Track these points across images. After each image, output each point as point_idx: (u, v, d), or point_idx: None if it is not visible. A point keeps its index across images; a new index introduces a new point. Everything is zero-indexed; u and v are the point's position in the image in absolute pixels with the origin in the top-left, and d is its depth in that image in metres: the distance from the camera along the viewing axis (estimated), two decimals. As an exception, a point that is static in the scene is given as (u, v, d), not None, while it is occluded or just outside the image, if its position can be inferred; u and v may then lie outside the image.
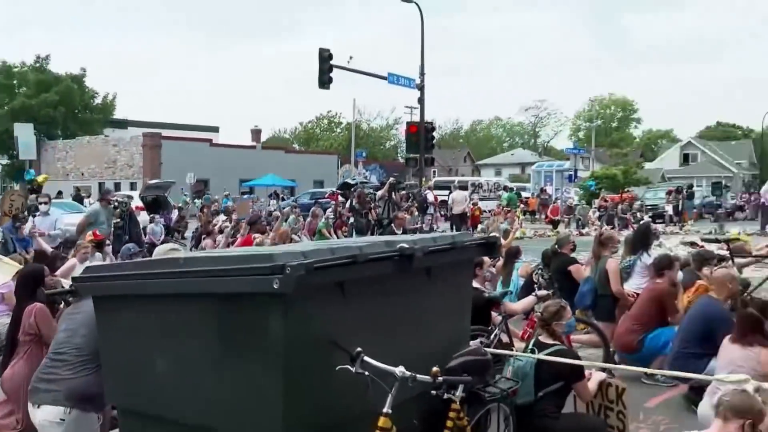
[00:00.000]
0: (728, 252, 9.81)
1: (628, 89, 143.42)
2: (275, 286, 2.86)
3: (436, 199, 26.59)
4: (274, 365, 3.03)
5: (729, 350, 4.99)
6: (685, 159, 70.14)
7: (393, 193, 17.51)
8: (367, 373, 3.12)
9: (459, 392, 3.53)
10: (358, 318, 3.40)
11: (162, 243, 12.97)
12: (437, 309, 4.03)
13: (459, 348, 4.05)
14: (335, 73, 23.47)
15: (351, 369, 3.11)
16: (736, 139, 78.46)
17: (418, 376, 3.20)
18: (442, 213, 28.81)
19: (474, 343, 5.61)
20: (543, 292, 6.54)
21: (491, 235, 6.89)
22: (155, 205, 23.82)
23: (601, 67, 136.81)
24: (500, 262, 10.47)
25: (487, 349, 5.44)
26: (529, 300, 6.47)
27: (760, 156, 67.90)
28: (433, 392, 3.48)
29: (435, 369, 3.30)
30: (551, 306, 5.11)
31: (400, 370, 3.18)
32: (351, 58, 24.82)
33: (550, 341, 4.92)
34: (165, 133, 45.33)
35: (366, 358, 3.15)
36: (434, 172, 60.61)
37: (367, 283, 3.42)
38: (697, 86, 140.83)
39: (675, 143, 77.19)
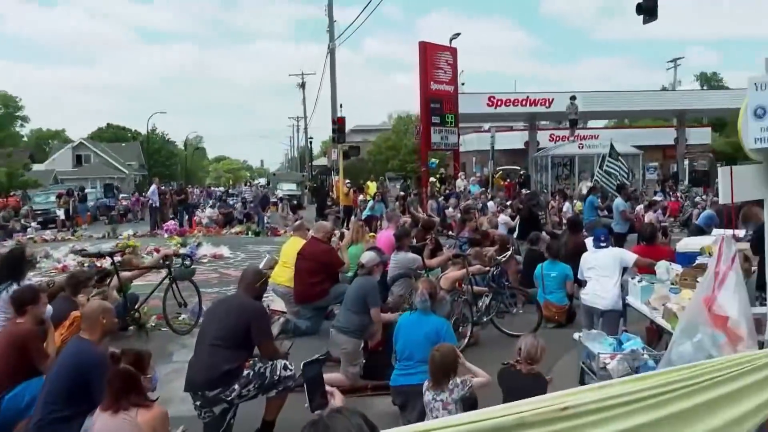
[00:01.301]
0: (113, 266, 8.77)
1: (10, 84, 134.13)
2: None
3: None
4: None
5: (102, 421, 3.82)
6: (78, 160, 69.07)
7: None
8: None
9: None
10: None
11: None
12: None
13: None
14: None
15: None
16: (126, 141, 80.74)
17: None
18: None
19: None
20: None
21: None
22: None
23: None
24: None
25: None
26: None
27: (147, 157, 71.13)
28: None
29: None
30: None
31: None
32: None
33: None
34: None
35: None
36: None
37: None
38: (85, 87, 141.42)
39: (67, 143, 75.13)
